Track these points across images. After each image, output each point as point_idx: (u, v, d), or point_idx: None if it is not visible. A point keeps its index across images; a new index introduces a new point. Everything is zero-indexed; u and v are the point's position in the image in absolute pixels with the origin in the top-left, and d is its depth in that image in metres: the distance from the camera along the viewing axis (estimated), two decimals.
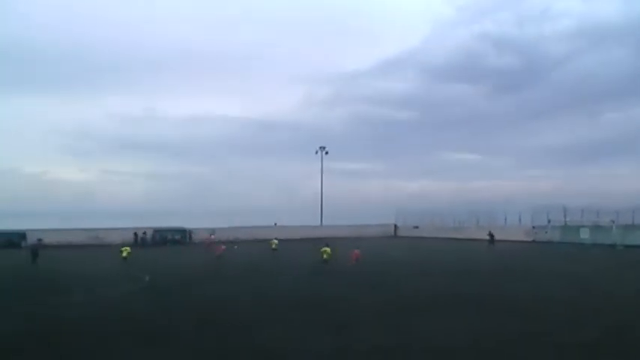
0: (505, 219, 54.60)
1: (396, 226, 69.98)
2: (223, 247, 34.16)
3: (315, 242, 42.88)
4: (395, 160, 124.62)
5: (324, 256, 25.49)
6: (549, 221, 49.21)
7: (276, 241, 35.98)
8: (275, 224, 62.37)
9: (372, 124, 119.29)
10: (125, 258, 29.24)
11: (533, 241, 48.21)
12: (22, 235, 46.53)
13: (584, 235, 44.32)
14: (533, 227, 50.67)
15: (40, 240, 49.16)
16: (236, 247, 40.95)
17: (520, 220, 53.18)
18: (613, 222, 42.63)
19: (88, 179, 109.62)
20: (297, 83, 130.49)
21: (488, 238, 47.19)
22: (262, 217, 66.49)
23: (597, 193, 70.03)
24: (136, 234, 50.62)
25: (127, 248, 30.71)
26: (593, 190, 73.18)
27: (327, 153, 70.69)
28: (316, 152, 70.71)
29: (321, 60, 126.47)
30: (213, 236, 47.94)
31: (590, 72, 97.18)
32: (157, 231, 52.38)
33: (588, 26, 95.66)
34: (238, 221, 60.24)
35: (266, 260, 30.73)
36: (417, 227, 65.59)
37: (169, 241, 51.09)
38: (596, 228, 44.26)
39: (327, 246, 26.27)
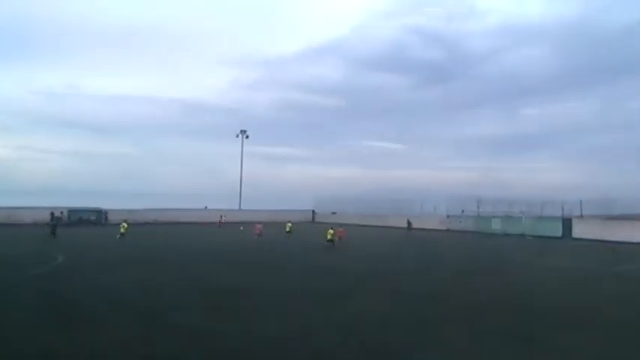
0: (421, 207, 54.35)
1: (314, 211, 68.98)
2: (260, 225, 35.78)
3: (237, 226, 45.90)
4: (319, 147, 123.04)
5: (329, 236, 29.46)
6: (463, 211, 49.70)
7: (290, 224, 38.24)
8: (206, 207, 61.71)
9: (298, 110, 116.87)
10: (123, 234, 29.47)
11: (448, 230, 48.19)
12: None
13: (496, 226, 44.87)
14: (448, 216, 50.84)
15: None
16: (242, 228, 44.34)
17: (435, 209, 53.18)
18: (523, 213, 43.36)
19: (3, 155, 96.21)
20: (225, 66, 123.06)
21: (406, 226, 46.62)
22: (185, 199, 65.14)
23: (511, 185, 72.90)
24: (52, 213, 47.27)
25: (125, 224, 31.21)
26: (507, 183, 76.19)
27: (247, 137, 69.63)
28: (237, 136, 69.63)
29: (250, 44, 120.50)
30: (224, 217, 50.97)
31: (512, 69, 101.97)
32: (72, 211, 51.47)
33: (512, 24, 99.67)
34: (158, 203, 58.74)
35: (298, 240, 33.94)
36: (334, 213, 64.51)
37: (84, 221, 50.69)
38: (507, 218, 45.00)
39: (332, 229, 30.36)
